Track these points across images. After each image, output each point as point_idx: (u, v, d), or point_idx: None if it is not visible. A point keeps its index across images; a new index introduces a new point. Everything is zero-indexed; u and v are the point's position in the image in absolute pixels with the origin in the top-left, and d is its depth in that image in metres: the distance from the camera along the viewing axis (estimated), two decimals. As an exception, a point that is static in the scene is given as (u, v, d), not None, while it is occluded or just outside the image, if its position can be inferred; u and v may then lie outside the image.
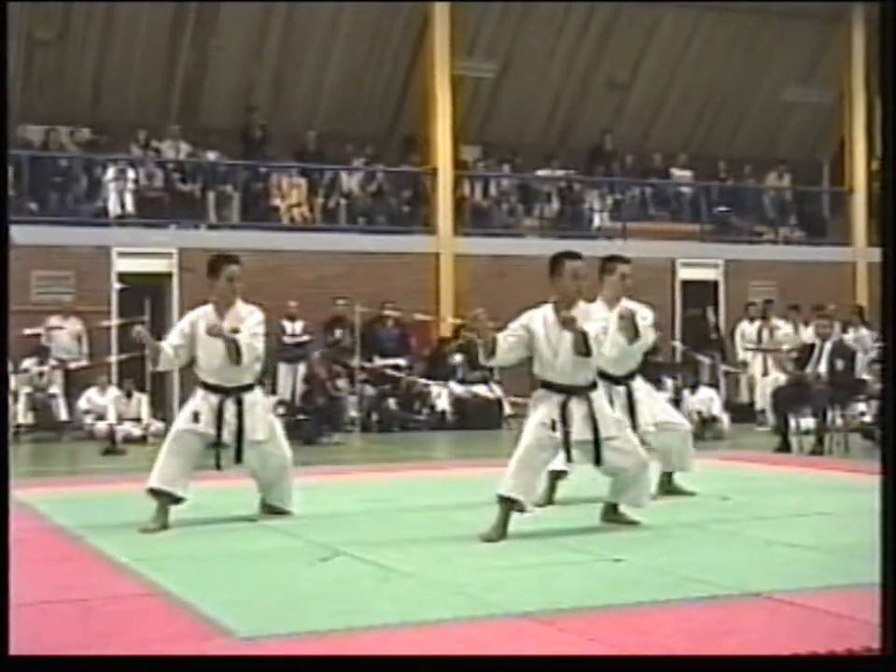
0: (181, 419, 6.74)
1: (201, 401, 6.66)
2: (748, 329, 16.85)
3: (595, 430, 6.05)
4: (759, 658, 3.56)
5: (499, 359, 6.23)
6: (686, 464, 7.59)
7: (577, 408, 6.06)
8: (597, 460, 6.11)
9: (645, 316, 7.27)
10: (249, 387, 6.73)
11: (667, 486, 7.64)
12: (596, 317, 6.37)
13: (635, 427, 6.92)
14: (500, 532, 5.94)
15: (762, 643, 3.79)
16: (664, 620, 4.18)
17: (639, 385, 7.35)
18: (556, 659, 3.61)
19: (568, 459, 6.22)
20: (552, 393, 6.11)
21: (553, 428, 6.02)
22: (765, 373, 16.38)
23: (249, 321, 6.70)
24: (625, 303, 7.27)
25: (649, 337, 7.28)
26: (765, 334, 16.60)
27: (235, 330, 6.59)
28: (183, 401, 15.77)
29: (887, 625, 2.83)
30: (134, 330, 6.79)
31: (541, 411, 6.09)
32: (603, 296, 7.19)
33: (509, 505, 5.97)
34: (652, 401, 7.45)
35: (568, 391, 6.09)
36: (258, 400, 6.80)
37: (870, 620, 3.16)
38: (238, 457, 6.66)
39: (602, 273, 7.42)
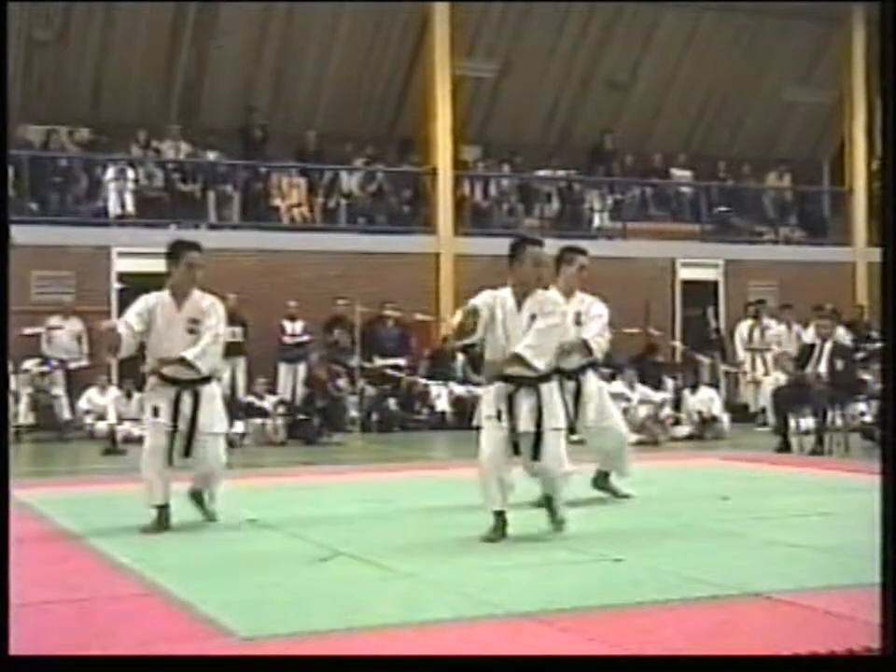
0: (150, 427, 6.53)
1: (157, 395, 6.50)
2: (744, 329, 16.86)
3: (539, 423, 5.95)
4: (759, 658, 3.56)
5: (473, 337, 6.11)
6: (623, 469, 7.54)
7: (525, 399, 5.98)
8: (535, 455, 6.01)
9: (601, 314, 7.25)
10: (206, 380, 6.58)
11: (601, 484, 7.61)
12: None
13: (575, 422, 6.90)
14: (500, 535, 5.93)
15: (762, 643, 3.79)
16: (664, 620, 4.18)
17: (590, 379, 7.31)
18: (556, 659, 3.61)
19: (516, 452, 6.07)
20: (500, 383, 6.03)
21: (500, 419, 5.97)
22: (756, 372, 16.40)
23: (211, 321, 6.53)
24: (581, 296, 7.26)
25: (604, 341, 7.24)
26: (756, 334, 16.61)
27: (194, 321, 6.47)
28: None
29: (887, 625, 2.83)
30: (103, 326, 6.67)
31: (489, 403, 6.03)
32: (559, 286, 7.00)
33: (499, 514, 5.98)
34: (601, 399, 7.41)
35: (518, 381, 6.00)
36: (215, 393, 6.67)
37: (870, 620, 3.16)
38: (187, 451, 6.50)
39: (560, 263, 7.36)
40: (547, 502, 6.24)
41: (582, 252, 7.47)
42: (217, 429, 6.62)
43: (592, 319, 7.19)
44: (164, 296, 6.62)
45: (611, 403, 7.73)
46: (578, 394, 7.13)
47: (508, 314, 6.06)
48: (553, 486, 6.15)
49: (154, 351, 6.56)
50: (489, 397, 6.06)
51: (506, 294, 6.13)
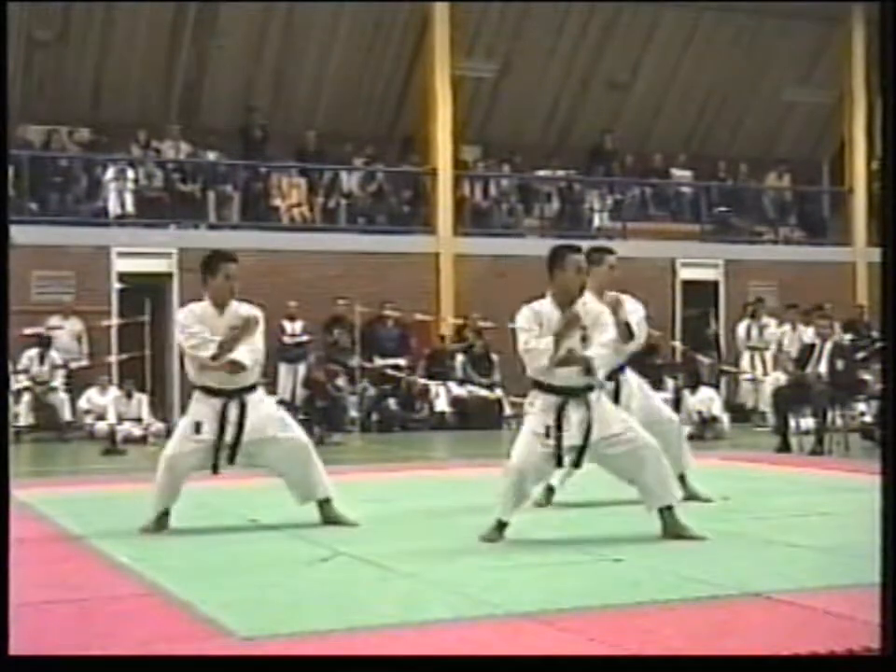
0: (182, 437, 6.49)
1: (203, 407, 6.45)
2: (742, 328, 16.86)
3: (587, 436, 5.85)
4: (759, 658, 3.56)
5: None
6: (685, 461, 7.46)
7: (574, 412, 5.88)
8: (577, 463, 5.95)
9: (636, 310, 7.23)
10: (252, 388, 6.56)
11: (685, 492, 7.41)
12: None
13: None
14: (498, 536, 5.92)
15: (762, 643, 3.79)
16: (664, 620, 4.18)
17: (630, 377, 7.25)
18: (556, 659, 3.60)
19: (559, 465, 6.01)
20: (548, 395, 5.94)
21: (548, 436, 5.86)
22: (754, 370, 16.42)
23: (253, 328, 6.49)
24: (614, 295, 7.22)
25: (642, 336, 7.22)
26: (754, 333, 16.61)
27: (234, 328, 6.46)
28: (184, 401, 15.82)
29: (887, 625, 2.82)
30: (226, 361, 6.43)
31: (537, 417, 5.92)
32: (591, 287, 7.01)
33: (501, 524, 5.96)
34: (644, 395, 7.34)
35: (566, 393, 5.92)
36: (262, 399, 6.64)
37: (870, 620, 3.16)
38: (231, 458, 6.48)
39: (589, 264, 7.32)
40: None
41: (610, 252, 7.41)
42: (270, 433, 6.50)
43: (630, 315, 7.14)
44: (205, 306, 6.55)
45: (657, 397, 7.71)
46: (617, 395, 7.06)
47: (553, 325, 5.91)
48: (645, 484, 5.97)
49: (202, 367, 6.47)
50: (535, 409, 5.95)
51: (548, 305, 6.00)
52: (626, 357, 7.20)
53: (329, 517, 6.62)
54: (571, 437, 5.86)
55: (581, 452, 5.90)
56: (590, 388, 5.95)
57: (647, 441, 5.94)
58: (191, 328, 6.46)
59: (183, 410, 15.57)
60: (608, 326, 6.06)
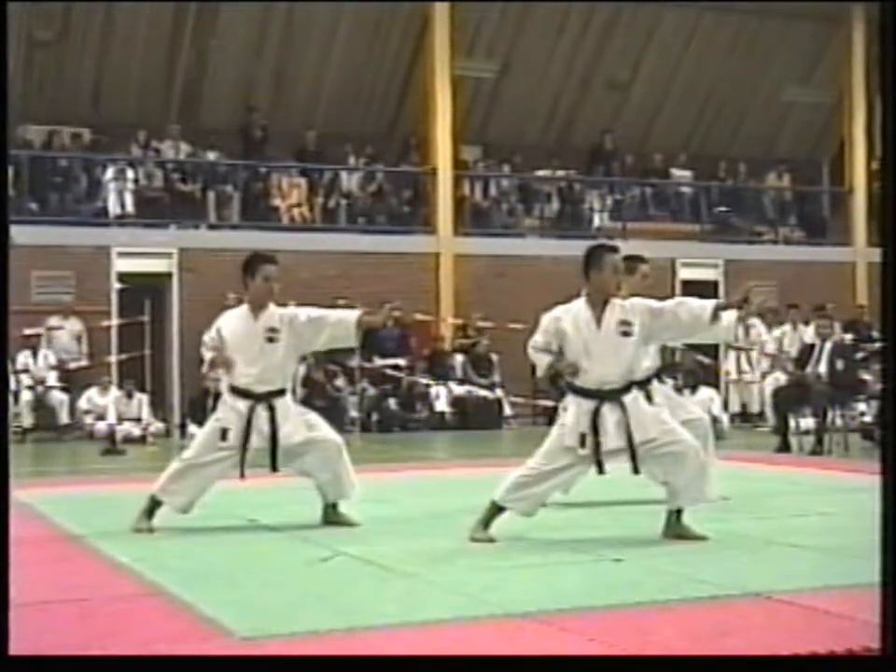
0: (207, 443, 6.46)
1: (230, 413, 6.43)
2: None
3: (630, 438, 5.73)
4: (759, 658, 3.55)
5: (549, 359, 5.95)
6: (711, 456, 7.40)
7: (610, 415, 5.75)
8: (635, 469, 5.82)
9: None
10: (281, 392, 6.51)
11: None
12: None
13: None
14: (482, 530, 5.88)
15: (762, 643, 3.79)
16: (664, 620, 4.18)
17: (657, 386, 7.17)
18: (556, 659, 3.60)
19: (600, 472, 5.86)
20: (582, 399, 5.82)
21: (583, 444, 5.74)
22: (740, 372, 16.42)
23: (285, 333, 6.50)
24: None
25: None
26: (740, 332, 16.58)
27: (272, 329, 6.43)
28: (183, 401, 15.83)
29: (887, 625, 2.82)
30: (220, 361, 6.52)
31: (568, 426, 5.80)
32: (622, 296, 6.96)
33: (497, 510, 5.94)
34: (670, 399, 7.29)
35: (600, 396, 5.79)
36: (289, 404, 6.56)
37: (870, 620, 3.16)
38: (273, 465, 6.44)
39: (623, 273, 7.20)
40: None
41: (643, 260, 7.29)
42: (302, 437, 6.45)
43: None
44: (243, 311, 6.56)
45: (681, 399, 7.71)
46: (649, 401, 7.02)
47: (585, 326, 5.82)
48: (678, 485, 5.82)
49: (234, 369, 6.48)
50: (568, 417, 5.84)
51: (579, 305, 5.89)
52: (656, 365, 7.15)
53: (334, 518, 6.60)
54: (609, 441, 5.76)
55: (633, 457, 5.77)
56: (626, 390, 5.84)
57: (686, 440, 5.84)
58: (208, 339, 6.59)
59: (183, 410, 15.64)
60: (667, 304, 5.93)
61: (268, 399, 6.43)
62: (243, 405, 6.43)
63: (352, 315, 6.50)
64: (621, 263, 6.02)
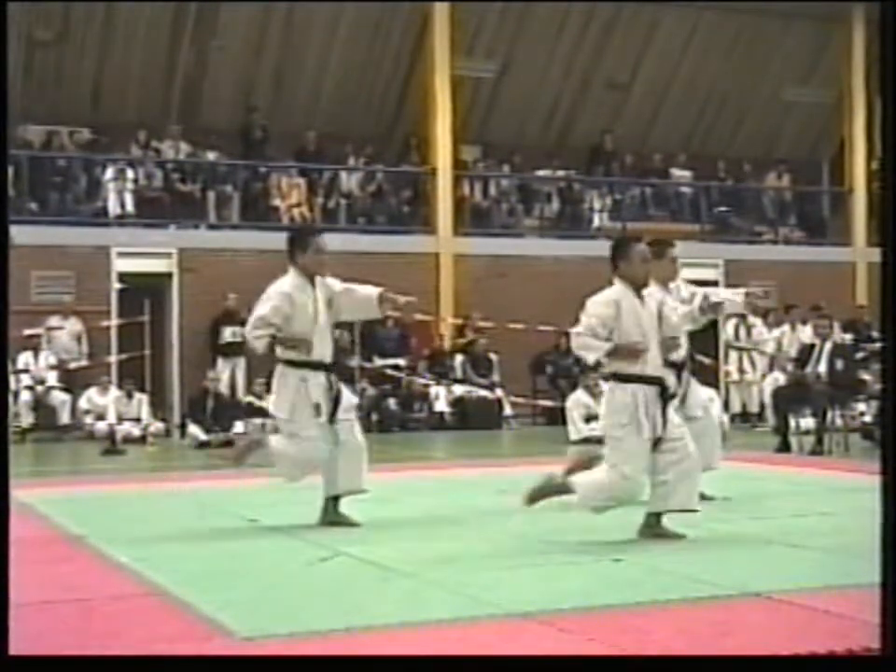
0: (307, 422, 6.36)
1: (313, 388, 6.34)
2: (730, 328, 16.84)
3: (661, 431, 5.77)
4: (759, 658, 3.55)
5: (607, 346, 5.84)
6: (714, 460, 7.41)
7: (652, 405, 5.76)
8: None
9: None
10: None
11: None
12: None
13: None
14: (538, 495, 5.95)
15: (762, 643, 3.79)
16: (664, 620, 4.18)
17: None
18: (556, 659, 3.61)
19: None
20: (646, 387, 5.74)
21: (640, 429, 5.70)
22: (741, 372, 16.42)
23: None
24: (676, 285, 7.18)
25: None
26: (742, 332, 16.59)
27: (330, 301, 6.49)
28: (183, 401, 15.81)
29: (887, 625, 2.82)
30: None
31: (621, 408, 5.74)
32: (654, 280, 6.61)
33: (564, 487, 5.92)
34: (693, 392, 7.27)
35: (654, 383, 5.77)
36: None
37: (870, 620, 3.16)
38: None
39: (653, 257, 7.19)
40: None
41: (671, 244, 7.24)
42: (349, 413, 6.54)
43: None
44: (297, 281, 6.51)
45: (702, 391, 7.76)
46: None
47: (635, 307, 5.83)
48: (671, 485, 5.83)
49: (306, 341, 6.37)
50: (620, 403, 5.76)
51: (621, 290, 5.87)
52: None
53: (335, 518, 6.58)
54: (649, 430, 5.77)
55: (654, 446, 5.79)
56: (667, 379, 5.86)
57: (693, 453, 5.89)
58: (265, 311, 6.40)
59: (183, 410, 15.61)
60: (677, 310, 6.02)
61: (332, 369, 6.48)
62: (321, 376, 6.40)
63: (375, 290, 6.75)
64: (648, 254, 6.01)
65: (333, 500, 6.60)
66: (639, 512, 6.37)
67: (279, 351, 6.43)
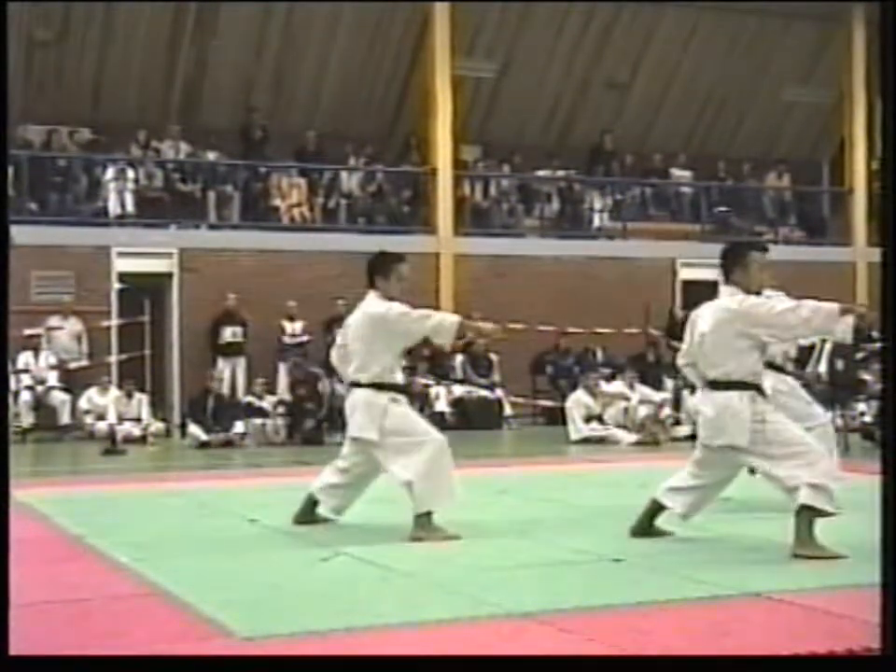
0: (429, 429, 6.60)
1: (405, 405, 6.55)
2: None
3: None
4: (759, 658, 3.56)
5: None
6: None
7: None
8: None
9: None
10: None
11: None
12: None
13: None
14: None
15: (762, 643, 3.79)
16: (664, 620, 4.18)
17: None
18: (556, 659, 3.61)
19: (751, 471, 6.10)
20: (755, 394, 5.80)
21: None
22: None
23: None
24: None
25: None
26: None
27: None
28: (183, 401, 15.81)
29: (887, 625, 2.82)
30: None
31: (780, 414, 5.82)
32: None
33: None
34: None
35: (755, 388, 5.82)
36: None
37: (870, 620, 3.16)
38: None
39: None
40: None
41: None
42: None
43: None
44: (380, 305, 6.46)
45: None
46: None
47: None
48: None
49: (392, 363, 6.49)
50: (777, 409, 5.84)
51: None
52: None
53: (310, 517, 6.61)
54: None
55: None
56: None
57: None
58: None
59: (183, 410, 15.60)
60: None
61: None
62: (403, 399, 6.49)
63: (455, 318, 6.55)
64: (763, 261, 6.00)
65: (313, 503, 6.64)
66: (638, 513, 6.37)
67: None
